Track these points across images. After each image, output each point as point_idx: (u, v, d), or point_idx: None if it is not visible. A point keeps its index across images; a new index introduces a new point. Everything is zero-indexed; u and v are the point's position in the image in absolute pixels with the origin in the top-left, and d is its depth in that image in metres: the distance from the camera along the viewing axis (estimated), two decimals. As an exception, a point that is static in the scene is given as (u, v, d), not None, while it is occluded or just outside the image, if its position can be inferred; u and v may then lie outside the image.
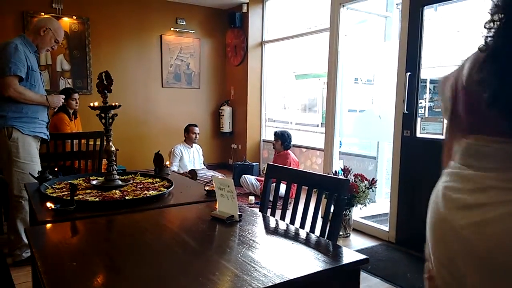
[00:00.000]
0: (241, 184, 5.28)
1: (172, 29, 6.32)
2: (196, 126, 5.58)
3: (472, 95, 0.98)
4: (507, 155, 0.84)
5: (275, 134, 5.25)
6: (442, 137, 3.22)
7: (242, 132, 6.66)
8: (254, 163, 5.88)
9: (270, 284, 1.05)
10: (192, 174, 5.17)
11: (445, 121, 1.13)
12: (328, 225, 1.65)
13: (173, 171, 5.17)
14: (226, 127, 6.80)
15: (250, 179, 5.24)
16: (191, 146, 5.57)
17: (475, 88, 0.96)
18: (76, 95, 4.29)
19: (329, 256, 1.31)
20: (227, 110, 6.77)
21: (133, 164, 5.58)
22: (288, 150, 5.17)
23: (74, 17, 5.52)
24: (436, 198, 0.97)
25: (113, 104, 1.96)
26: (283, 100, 14.85)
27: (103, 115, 1.97)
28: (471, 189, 0.88)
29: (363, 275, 2.79)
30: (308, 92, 14.53)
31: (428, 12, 3.56)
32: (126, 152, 5.57)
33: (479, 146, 0.91)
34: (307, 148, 5.95)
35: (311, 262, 1.25)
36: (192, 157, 5.57)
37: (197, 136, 5.55)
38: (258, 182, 5.15)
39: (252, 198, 4.79)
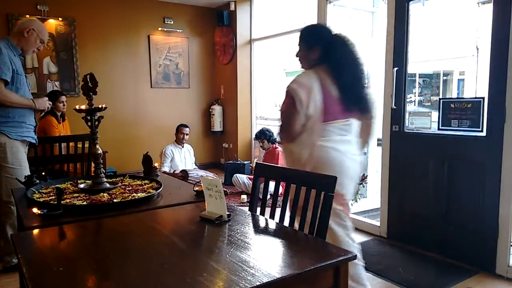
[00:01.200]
0: (233, 183, 5.28)
1: (159, 28, 6.28)
2: (186, 126, 5.56)
3: (335, 99, 2.09)
4: (354, 127, 2.19)
5: (257, 137, 5.28)
6: (431, 131, 3.25)
7: (233, 131, 6.65)
8: (245, 162, 5.88)
9: (258, 283, 1.06)
10: (184, 174, 5.16)
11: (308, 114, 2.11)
12: (317, 222, 1.65)
13: (165, 171, 5.17)
14: (217, 126, 6.78)
15: (242, 178, 5.24)
16: (182, 146, 5.56)
17: (338, 96, 2.10)
18: (63, 98, 4.24)
19: (317, 253, 1.31)
20: (217, 109, 6.75)
21: (124, 166, 5.54)
22: (275, 144, 5.18)
23: (60, 19, 5.46)
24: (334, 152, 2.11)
25: (99, 106, 1.94)
26: (274, 97, 14.82)
27: (89, 117, 1.95)
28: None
29: (355, 270, 2.79)
30: (298, 89, 14.50)
31: (415, 7, 3.58)
32: (117, 154, 5.54)
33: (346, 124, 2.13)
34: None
35: (299, 260, 1.25)
36: (183, 157, 5.55)
37: (185, 137, 5.52)
38: (250, 181, 5.15)
39: (244, 197, 4.80)
